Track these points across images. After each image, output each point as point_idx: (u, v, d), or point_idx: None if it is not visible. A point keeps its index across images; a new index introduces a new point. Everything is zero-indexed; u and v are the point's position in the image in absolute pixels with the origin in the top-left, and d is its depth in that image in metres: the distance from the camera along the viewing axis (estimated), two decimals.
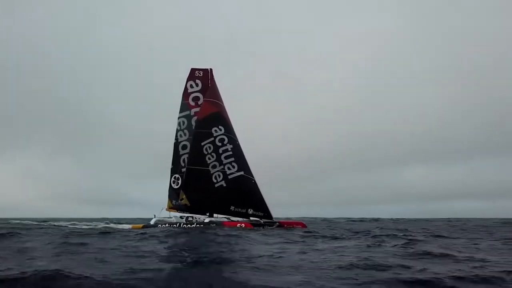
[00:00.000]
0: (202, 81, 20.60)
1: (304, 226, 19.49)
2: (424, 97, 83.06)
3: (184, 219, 18.75)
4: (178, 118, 20.61)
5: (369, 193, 66.45)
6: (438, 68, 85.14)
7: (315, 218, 47.43)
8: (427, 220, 39.93)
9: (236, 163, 18.88)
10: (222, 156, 18.83)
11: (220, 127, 19.21)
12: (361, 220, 38.16)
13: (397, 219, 39.72)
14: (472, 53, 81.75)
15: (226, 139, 19.06)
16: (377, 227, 18.43)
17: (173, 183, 20.25)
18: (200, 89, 20.51)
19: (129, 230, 17.95)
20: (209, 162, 18.82)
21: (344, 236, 12.22)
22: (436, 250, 7.65)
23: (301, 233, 13.64)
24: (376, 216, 46.87)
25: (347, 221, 34.17)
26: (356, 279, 4.76)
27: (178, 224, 18.27)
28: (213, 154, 18.86)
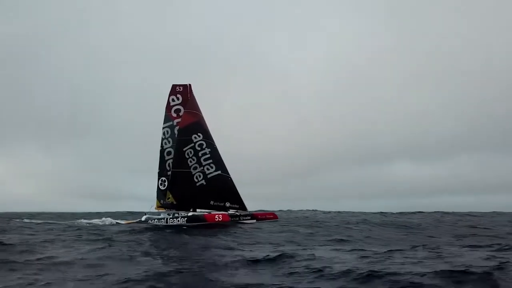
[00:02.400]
0: (182, 95, 23.62)
1: (275, 217, 22.47)
2: (411, 96, 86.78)
3: (171, 215, 21.59)
4: (163, 128, 23.57)
5: (355, 188, 69.07)
6: (423, 67, 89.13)
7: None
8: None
9: (214, 164, 21.84)
10: (202, 159, 21.78)
11: (199, 134, 22.18)
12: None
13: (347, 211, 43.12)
14: (457, 54, 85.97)
15: (205, 144, 22.03)
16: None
17: (160, 185, 23.13)
18: (180, 102, 23.52)
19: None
20: (190, 165, 21.75)
21: None
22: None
23: None
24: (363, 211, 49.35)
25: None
26: None
27: (165, 219, 21.10)
28: (193, 157, 21.80)
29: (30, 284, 6.21)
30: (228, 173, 22.00)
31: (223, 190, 21.67)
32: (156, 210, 22.70)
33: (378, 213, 30.27)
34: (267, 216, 22.22)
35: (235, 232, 15.39)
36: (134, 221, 21.97)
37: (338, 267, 6.91)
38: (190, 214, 20.91)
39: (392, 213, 29.68)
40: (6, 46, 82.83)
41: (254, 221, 21.12)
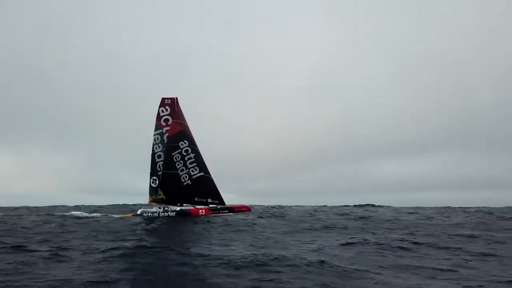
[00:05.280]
0: (170, 107, 27.70)
1: (249, 209, 27.23)
2: (392, 96, 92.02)
3: (162, 209, 26.02)
4: (154, 135, 27.66)
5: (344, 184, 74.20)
6: (406, 68, 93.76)
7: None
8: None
9: (198, 167, 26.26)
10: (187, 162, 26.15)
11: (185, 141, 26.44)
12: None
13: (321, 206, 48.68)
14: (439, 53, 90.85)
15: (190, 150, 26.35)
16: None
17: (152, 183, 27.45)
18: (169, 113, 27.61)
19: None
20: (178, 167, 26.09)
21: None
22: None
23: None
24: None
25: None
26: None
27: (157, 213, 25.52)
28: (180, 161, 26.13)
29: None
30: (210, 174, 26.50)
31: (205, 188, 26.21)
32: (149, 204, 27.07)
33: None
34: (242, 209, 26.96)
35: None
36: (130, 214, 26.26)
37: None
38: (178, 209, 25.41)
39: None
40: (7, 46, 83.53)
41: (231, 213, 25.81)
